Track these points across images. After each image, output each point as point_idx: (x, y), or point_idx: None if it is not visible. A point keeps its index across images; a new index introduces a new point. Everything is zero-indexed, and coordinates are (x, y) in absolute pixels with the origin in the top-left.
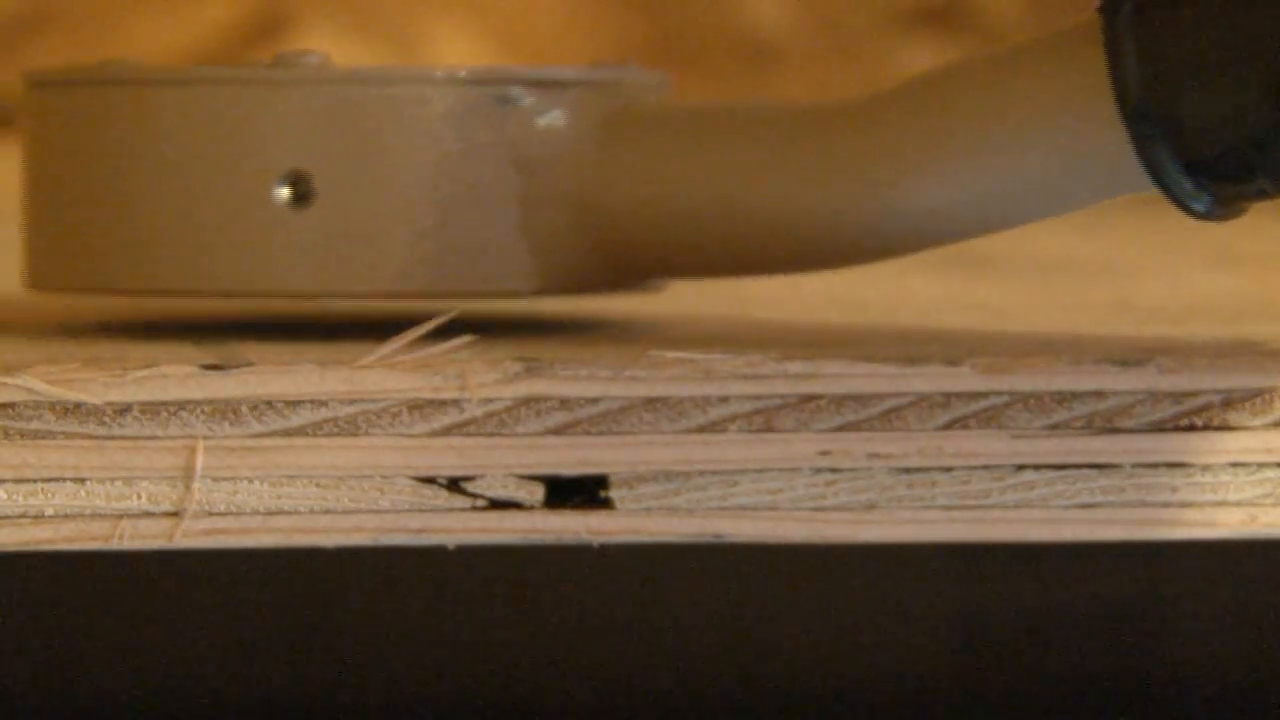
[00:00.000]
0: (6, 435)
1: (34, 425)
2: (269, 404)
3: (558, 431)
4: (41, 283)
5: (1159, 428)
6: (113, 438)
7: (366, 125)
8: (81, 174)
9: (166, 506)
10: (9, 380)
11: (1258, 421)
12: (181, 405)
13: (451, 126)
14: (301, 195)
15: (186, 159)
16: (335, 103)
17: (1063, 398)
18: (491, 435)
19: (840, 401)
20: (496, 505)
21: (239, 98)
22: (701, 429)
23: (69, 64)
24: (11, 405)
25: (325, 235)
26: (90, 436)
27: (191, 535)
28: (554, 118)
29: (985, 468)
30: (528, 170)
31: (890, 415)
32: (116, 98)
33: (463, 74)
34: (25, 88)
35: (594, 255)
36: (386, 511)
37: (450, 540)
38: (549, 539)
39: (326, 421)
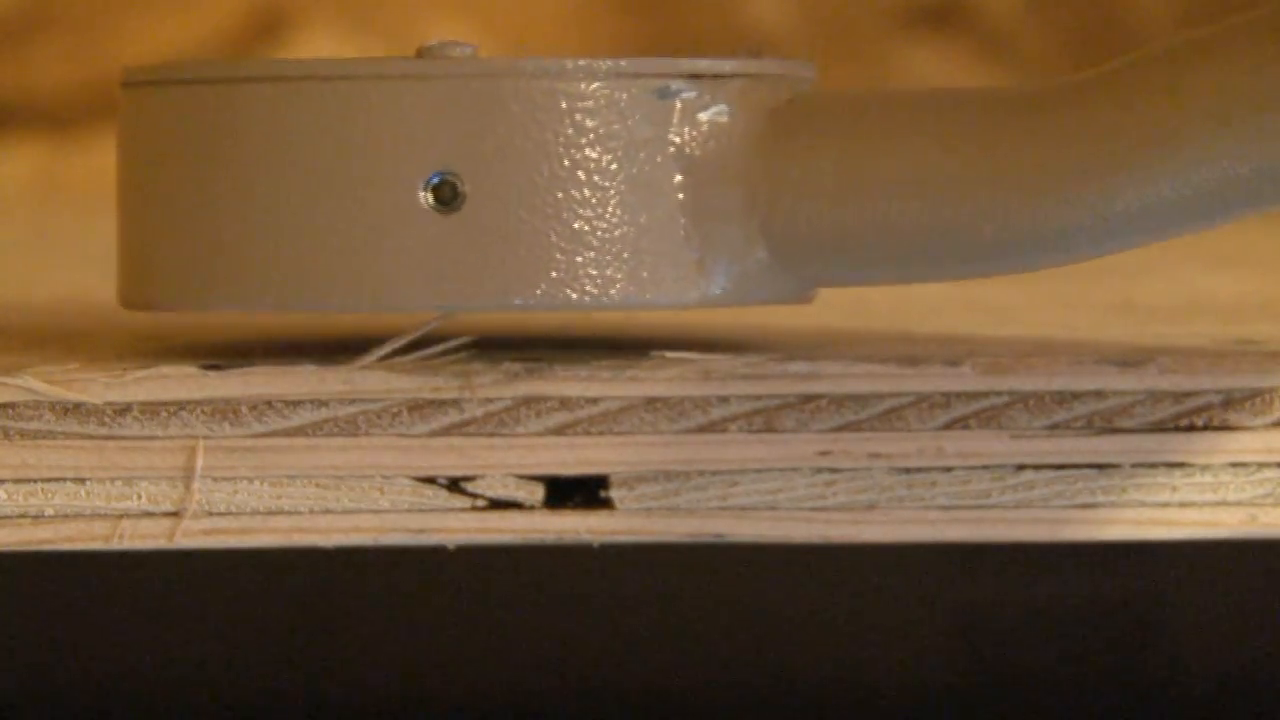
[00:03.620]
0: (6, 435)
1: (34, 425)
2: (269, 404)
3: (558, 431)
4: (143, 302)
5: (1159, 428)
6: (113, 438)
7: (519, 122)
8: (197, 182)
9: (166, 506)
10: (9, 380)
11: (1258, 421)
12: (181, 405)
13: (610, 122)
14: (448, 199)
15: (321, 162)
16: (485, 98)
17: (1063, 398)
18: (491, 435)
19: (840, 401)
20: (496, 505)
21: (380, 93)
22: (701, 429)
23: (174, 60)
24: (11, 405)
25: (474, 242)
26: (90, 436)
27: (191, 535)
28: (718, 112)
29: (985, 468)
30: (692, 169)
31: (890, 415)
32: (239, 96)
33: (622, 65)
34: (123, 87)
35: (762, 261)
36: (386, 511)
37: (450, 540)
38: (549, 539)
39: (326, 421)
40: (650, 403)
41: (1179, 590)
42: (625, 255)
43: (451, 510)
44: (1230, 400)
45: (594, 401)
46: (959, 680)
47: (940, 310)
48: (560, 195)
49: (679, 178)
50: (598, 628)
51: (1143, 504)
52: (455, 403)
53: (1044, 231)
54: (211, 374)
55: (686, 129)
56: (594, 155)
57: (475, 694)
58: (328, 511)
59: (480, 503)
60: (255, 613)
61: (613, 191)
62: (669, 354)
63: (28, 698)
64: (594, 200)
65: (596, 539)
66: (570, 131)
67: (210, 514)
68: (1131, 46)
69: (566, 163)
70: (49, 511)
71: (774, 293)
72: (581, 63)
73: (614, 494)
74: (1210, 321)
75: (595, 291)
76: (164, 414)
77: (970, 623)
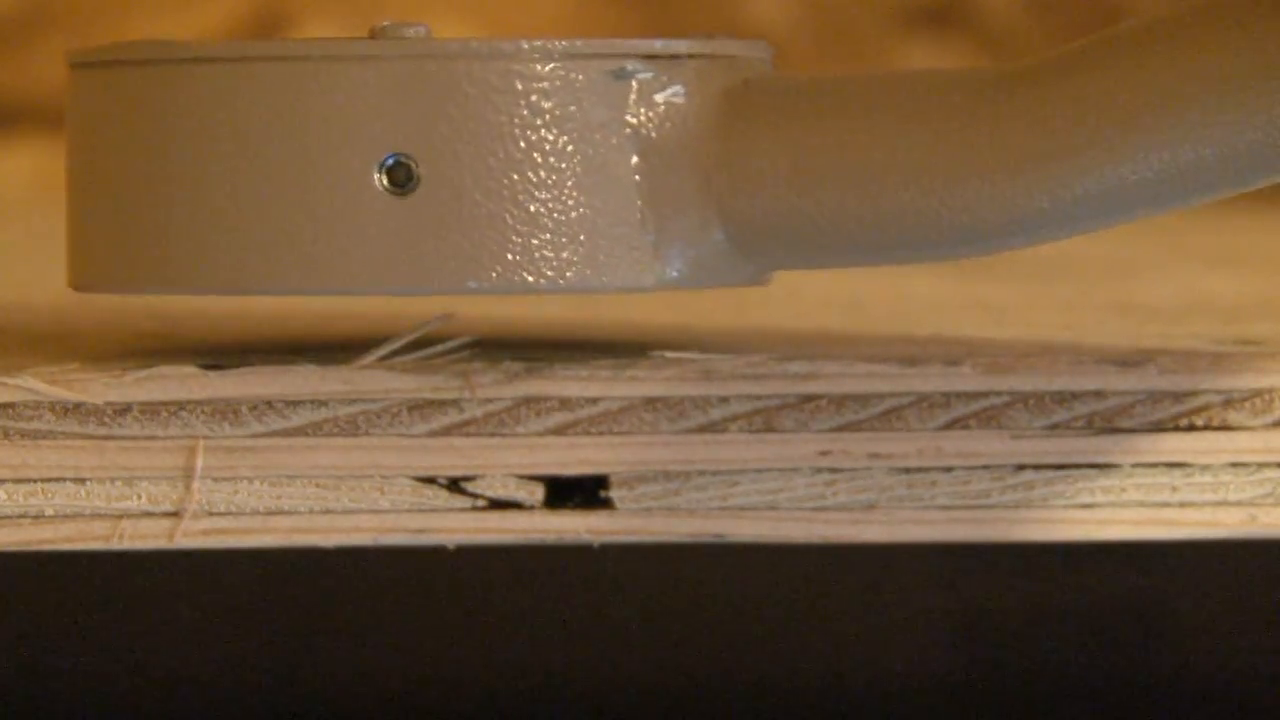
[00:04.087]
0: (6, 435)
1: (34, 425)
2: (269, 404)
3: (558, 431)
4: (92, 284)
5: (1159, 428)
6: (113, 438)
7: (474, 103)
8: (147, 164)
9: (166, 506)
10: (9, 380)
11: (1258, 421)
12: (181, 405)
13: (565, 104)
14: (403, 181)
15: (273, 144)
16: (440, 79)
17: (1063, 398)
18: (491, 435)
19: (840, 401)
20: (496, 505)
21: (333, 75)
22: (701, 429)
23: (120, 42)
24: (11, 405)
25: (428, 226)
26: (90, 436)
27: (191, 535)
28: (674, 93)
29: (985, 468)
30: (648, 151)
31: (890, 415)
32: (190, 78)
33: (578, 46)
34: (70, 69)
35: (719, 244)
36: (386, 511)
37: (450, 540)
38: (549, 539)
39: (326, 421)
40: (650, 403)
41: (1179, 590)
42: (581, 238)
43: (451, 510)
44: (1230, 400)
45: (594, 401)
46: (959, 680)
47: (940, 310)
48: (516, 177)
49: (635, 159)
50: (598, 628)
51: (1143, 504)
52: (455, 403)
53: (1004, 215)
54: (211, 374)
55: (643, 110)
56: (549, 137)
57: (475, 694)
58: (328, 511)
59: (480, 503)
60: (255, 613)
61: (568, 174)
62: (669, 354)
63: (28, 698)
64: (550, 182)
65: (596, 539)
66: (525, 113)
67: (210, 514)
68: None
69: (522, 144)
70: (49, 511)
71: (731, 276)
72: (536, 43)
73: (614, 494)
74: (1210, 321)
75: (551, 274)
76: (164, 414)
77: (970, 623)
